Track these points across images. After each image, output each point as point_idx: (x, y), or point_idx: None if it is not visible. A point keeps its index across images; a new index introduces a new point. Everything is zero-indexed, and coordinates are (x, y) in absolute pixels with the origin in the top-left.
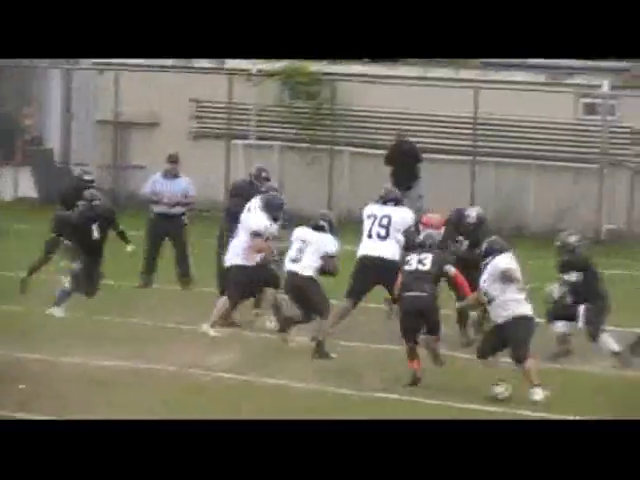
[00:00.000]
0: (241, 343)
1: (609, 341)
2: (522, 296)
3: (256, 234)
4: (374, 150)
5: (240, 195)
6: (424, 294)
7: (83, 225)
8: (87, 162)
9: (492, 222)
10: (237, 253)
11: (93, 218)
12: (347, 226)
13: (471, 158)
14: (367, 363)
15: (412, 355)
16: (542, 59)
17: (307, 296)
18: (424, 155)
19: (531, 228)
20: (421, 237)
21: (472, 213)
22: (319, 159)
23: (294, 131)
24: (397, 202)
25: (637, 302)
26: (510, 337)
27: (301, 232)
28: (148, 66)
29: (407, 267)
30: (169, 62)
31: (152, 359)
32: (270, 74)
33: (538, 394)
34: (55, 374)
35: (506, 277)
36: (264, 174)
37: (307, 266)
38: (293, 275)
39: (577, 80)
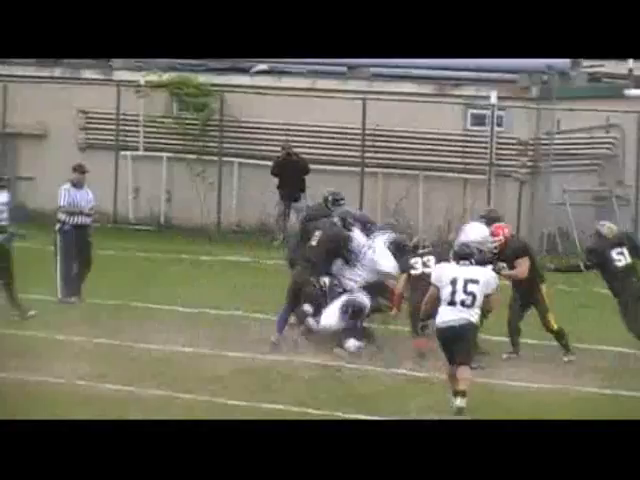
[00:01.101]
0: (130, 355)
1: None
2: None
3: None
4: (262, 161)
5: (316, 219)
6: None
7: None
8: None
9: None
10: None
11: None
12: (235, 237)
13: (359, 169)
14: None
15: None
16: (435, 71)
17: None
18: (312, 166)
19: None
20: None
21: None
22: (208, 170)
23: (182, 142)
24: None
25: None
26: None
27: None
28: (36, 77)
29: (414, 272)
30: (57, 73)
31: (41, 371)
32: (158, 85)
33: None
34: None
35: None
36: (337, 197)
37: None
38: None
39: (465, 91)
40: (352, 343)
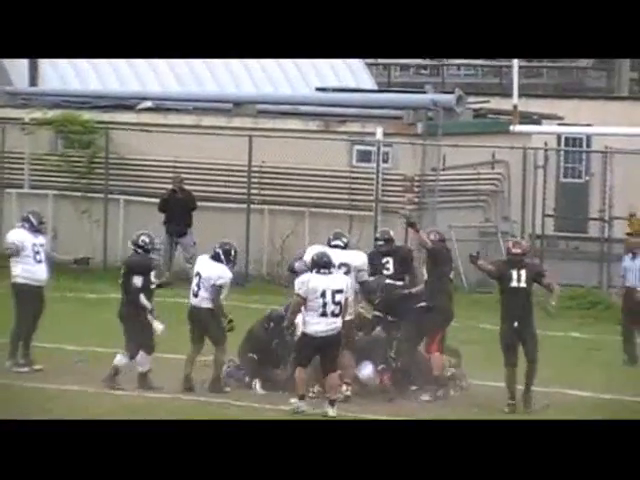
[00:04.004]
0: (20, 394)
1: None
2: None
3: None
4: (149, 198)
5: None
6: None
7: None
8: None
9: (267, 269)
10: None
11: None
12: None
13: (245, 206)
14: None
15: None
16: (321, 107)
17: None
18: (199, 203)
19: None
20: None
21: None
22: (94, 208)
23: (68, 180)
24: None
25: None
26: None
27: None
28: None
29: None
30: None
31: None
32: (43, 123)
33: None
34: None
35: None
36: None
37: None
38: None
39: (350, 128)
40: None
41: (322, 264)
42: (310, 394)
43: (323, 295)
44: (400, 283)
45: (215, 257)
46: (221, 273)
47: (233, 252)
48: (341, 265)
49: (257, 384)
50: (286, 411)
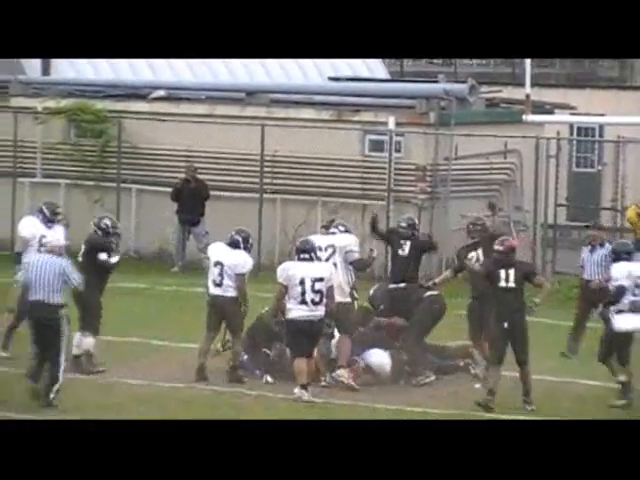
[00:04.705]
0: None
1: None
2: None
3: None
4: (161, 188)
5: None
6: None
7: None
8: None
9: (280, 259)
10: None
11: None
12: (133, 263)
13: (258, 195)
14: None
15: None
16: (333, 97)
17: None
18: (211, 192)
19: None
20: None
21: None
22: (106, 197)
23: (80, 169)
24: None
25: None
26: None
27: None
28: None
29: None
30: None
31: None
32: (56, 112)
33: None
34: None
35: None
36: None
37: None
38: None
39: (363, 117)
40: None
41: (302, 249)
42: (322, 383)
43: (302, 283)
44: (403, 285)
45: (234, 244)
46: (246, 259)
47: (251, 239)
48: (327, 247)
49: (268, 377)
50: (296, 399)
